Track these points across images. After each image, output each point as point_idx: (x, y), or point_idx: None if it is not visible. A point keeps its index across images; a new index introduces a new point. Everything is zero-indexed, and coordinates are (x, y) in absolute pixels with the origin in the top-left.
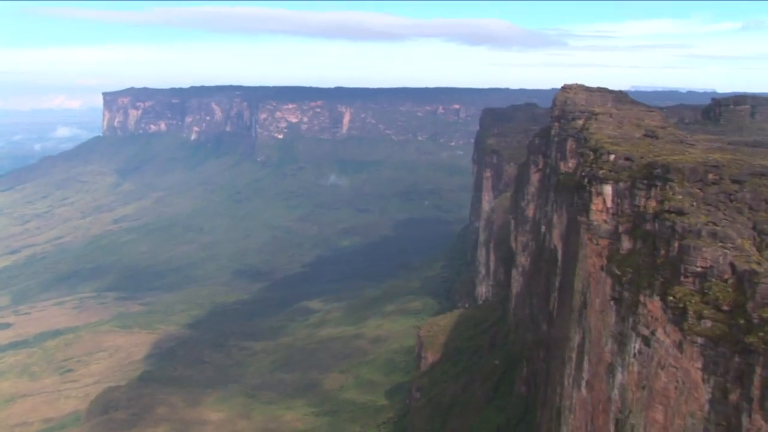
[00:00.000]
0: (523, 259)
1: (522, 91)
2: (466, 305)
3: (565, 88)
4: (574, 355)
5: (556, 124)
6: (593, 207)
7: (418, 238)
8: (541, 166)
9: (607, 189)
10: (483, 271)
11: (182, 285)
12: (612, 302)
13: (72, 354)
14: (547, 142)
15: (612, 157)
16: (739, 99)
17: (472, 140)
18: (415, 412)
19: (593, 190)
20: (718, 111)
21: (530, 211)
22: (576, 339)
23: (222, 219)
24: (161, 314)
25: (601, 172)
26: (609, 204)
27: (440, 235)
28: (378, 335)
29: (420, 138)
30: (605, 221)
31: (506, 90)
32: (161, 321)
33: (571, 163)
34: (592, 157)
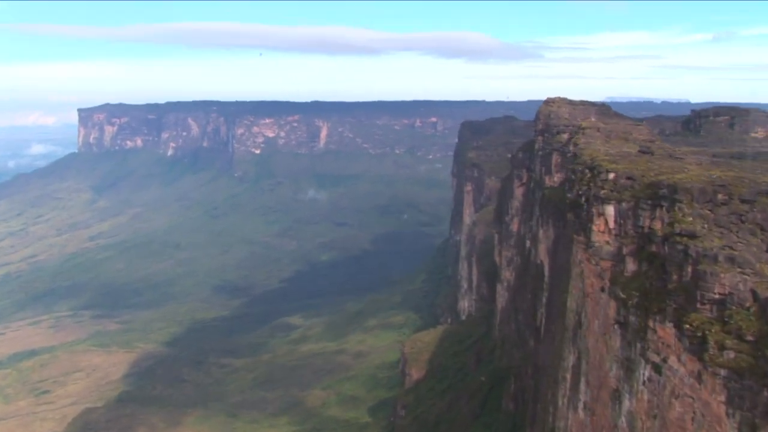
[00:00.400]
0: (507, 274)
1: (499, 104)
2: (449, 320)
3: (549, 102)
4: (568, 376)
5: (540, 137)
6: (594, 228)
7: (398, 251)
8: (525, 180)
9: (609, 209)
10: (465, 285)
11: (160, 302)
12: (616, 326)
13: (48, 375)
14: (531, 155)
15: (612, 175)
16: (718, 110)
17: (450, 153)
18: (401, 430)
19: (594, 210)
20: (698, 122)
21: (514, 226)
22: (570, 359)
23: (199, 235)
24: (139, 332)
25: (602, 192)
26: (611, 225)
27: (420, 249)
28: (360, 350)
29: (397, 151)
30: (607, 242)
31: (483, 102)
32: (139, 339)
33: (557, 178)
34: (588, 175)
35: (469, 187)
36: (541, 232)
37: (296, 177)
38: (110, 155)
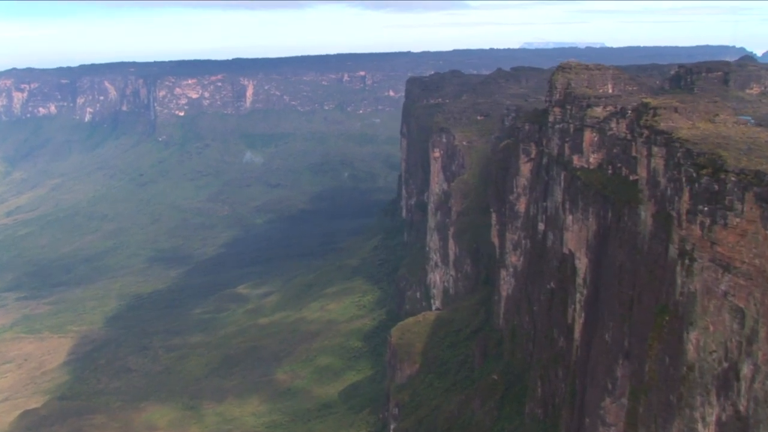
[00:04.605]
0: (514, 259)
1: (426, 54)
2: (418, 294)
3: (564, 68)
4: (703, 429)
5: (557, 109)
6: None
7: (335, 211)
8: (533, 156)
9: None
10: (436, 257)
11: (91, 278)
12: None
13: None
14: (543, 128)
15: None
16: (710, 66)
17: (381, 107)
18: None
19: None
20: (689, 79)
21: (521, 206)
22: (713, 412)
23: (126, 204)
24: (72, 313)
25: None
26: None
27: (358, 208)
28: (325, 320)
29: (327, 107)
30: None
31: (410, 53)
32: (73, 321)
33: (593, 159)
34: None
35: (437, 153)
36: (570, 218)
37: (224, 139)
38: (22, 123)
